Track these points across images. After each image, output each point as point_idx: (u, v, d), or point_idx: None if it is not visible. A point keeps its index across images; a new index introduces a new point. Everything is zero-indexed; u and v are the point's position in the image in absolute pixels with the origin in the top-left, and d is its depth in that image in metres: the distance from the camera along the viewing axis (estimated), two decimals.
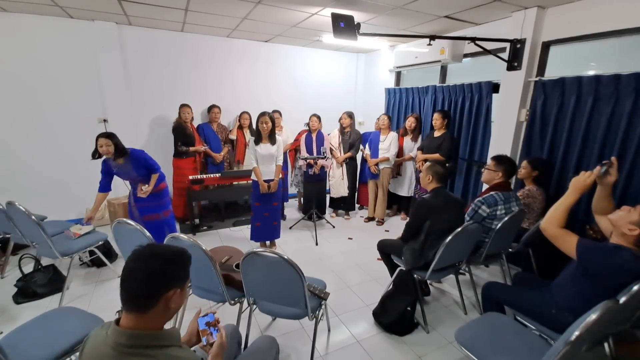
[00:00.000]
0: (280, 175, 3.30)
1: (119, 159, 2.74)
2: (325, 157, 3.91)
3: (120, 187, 4.18)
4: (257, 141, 3.16)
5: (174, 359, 0.90)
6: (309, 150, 4.12)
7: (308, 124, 4.17)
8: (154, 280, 0.91)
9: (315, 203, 4.12)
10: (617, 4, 2.43)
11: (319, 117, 4.15)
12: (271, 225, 3.42)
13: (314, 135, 4.13)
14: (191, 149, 4.07)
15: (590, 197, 2.47)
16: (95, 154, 2.64)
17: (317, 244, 3.78)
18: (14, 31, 3.50)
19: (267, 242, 3.55)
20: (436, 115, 3.81)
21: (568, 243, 1.58)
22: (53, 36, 3.66)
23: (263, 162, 3.20)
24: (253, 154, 3.19)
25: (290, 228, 4.17)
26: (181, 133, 4.01)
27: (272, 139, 3.17)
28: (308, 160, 3.99)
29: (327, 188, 4.47)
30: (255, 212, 3.36)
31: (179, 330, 1.02)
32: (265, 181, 3.20)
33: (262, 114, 3.09)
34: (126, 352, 0.87)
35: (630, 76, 2.33)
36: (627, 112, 2.37)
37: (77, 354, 1.23)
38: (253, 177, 3.24)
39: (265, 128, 3.08)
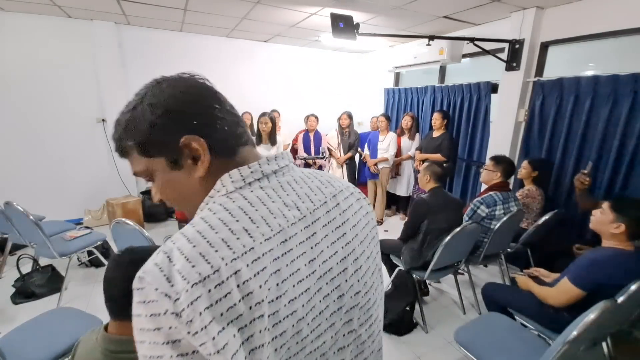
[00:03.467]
0: None
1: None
2: (324, 157, 3.90)
3: (120, 188, 4.18)
4: (258, 142, 3.16)
5: None
6: (307, 150, 4.12)
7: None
8: None
9: None
10: (616, 5, 2.44)
11: (316, 117, 4.14)
12: None
13: (311, 135, 4.12)
14: None
15: (577, 220, 2.66)
16: None
17: None
18: (13, 31, 3.48)
19: None
20: (436, 115, 3.81)
21: (565, 294, 1.59)
22: (51, 36, 3.65)
23: None
24: None
25: None
26: None
27: (272, 140, 3.17)
28: (307, 161, 3.99)
29: None
30: None
31: None
32: None
33: (262, 115, 3.10)
34: (116, 358, 0.86)
35: (629, 76, 2.34)
36: (625, 113, 2.38)
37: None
38: None
39: (265, 129, 3.08)
